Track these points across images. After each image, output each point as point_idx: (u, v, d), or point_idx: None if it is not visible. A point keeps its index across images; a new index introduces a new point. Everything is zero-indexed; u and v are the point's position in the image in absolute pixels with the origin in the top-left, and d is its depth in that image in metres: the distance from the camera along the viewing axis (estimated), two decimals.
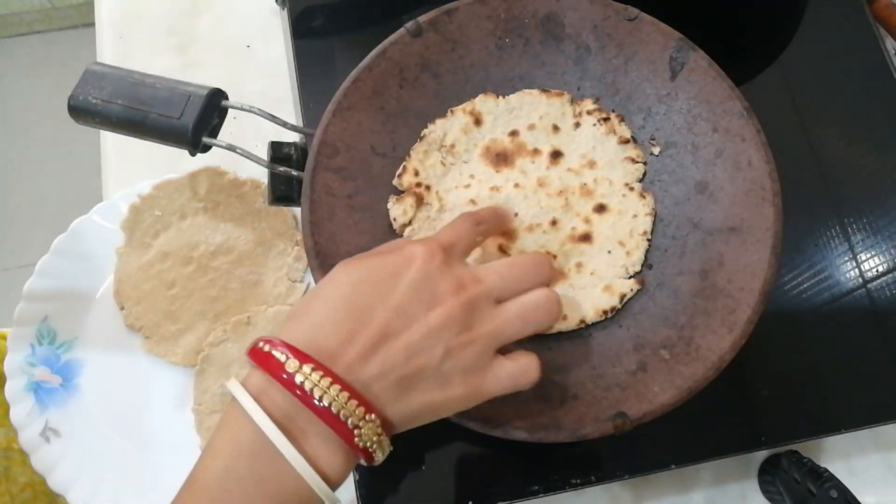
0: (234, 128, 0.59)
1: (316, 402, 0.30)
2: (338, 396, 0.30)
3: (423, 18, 0.47)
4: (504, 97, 0.48)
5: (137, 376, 0.54)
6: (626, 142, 0.47)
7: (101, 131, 0.57)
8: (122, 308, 0.55)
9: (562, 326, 0.44)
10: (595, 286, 0.45)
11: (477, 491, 0.46)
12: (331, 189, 0.44)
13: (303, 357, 0.30)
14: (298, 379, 0.30)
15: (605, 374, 0.42)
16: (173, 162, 0.59)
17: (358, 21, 0.57)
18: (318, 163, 0.43)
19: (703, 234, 0.45)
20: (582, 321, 0.44)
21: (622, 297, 0.44)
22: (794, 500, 0.47)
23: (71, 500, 0.51)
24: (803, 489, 0.46)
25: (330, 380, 0.30)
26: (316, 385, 0.30)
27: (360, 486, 0.45)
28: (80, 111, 0.44)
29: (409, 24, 0.46)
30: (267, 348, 0.31)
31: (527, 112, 0.48)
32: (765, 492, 0.51)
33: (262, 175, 0.57)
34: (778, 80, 0.57)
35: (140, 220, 0.57)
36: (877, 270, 0.52)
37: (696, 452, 0.48)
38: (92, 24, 0.65)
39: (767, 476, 0.51)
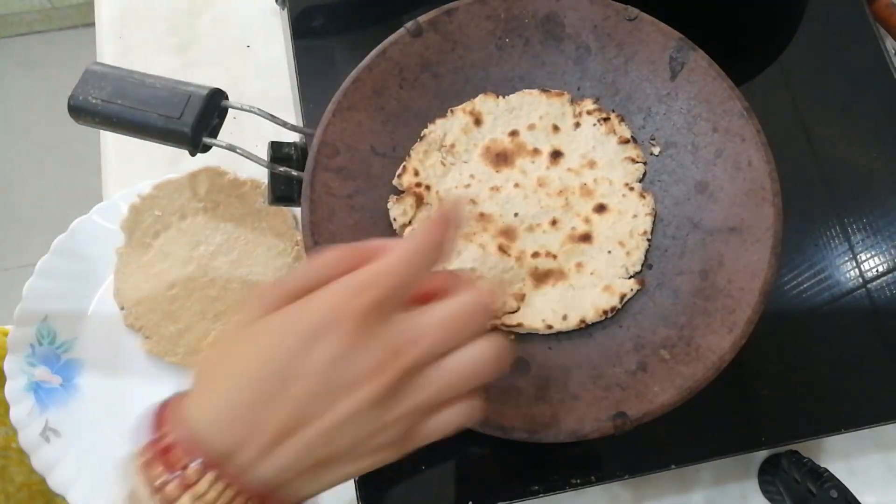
0: (234, 128, 0.59)
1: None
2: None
3: (423, 18, 0.46)
4: (504, 97, 0.48)
5: (137, 376, 0.54)
6: (626, 142, 0.47)
7: (101, 131, 0.57)
8: (122, 308, 0.55)
9: (562, 326, 0.44)
10: (595, 286, 0.45)
11: (477, 491, 0.45)
12: (331, 189, 0.44)
13: (202, 459, 0.28)
14: (200, 488, 0.27)
15: (605, 374, 0.42)
16: (173, 162, 0.59)
17: (358, 21, 0.57)
18: (318, 163, 0.43)
19: (703, 234, 0.45)
20: (582, 321, 0.44)
21: (622, 296, 0.44)
22: (794, 500, 0.47)
23: (71, 500, 0.51)
24: (803, 489, 0.46)
25: (225, 484, 0.27)
26: (213, 491, 0.27)
27: (359, 485, 0.45)
28: (80, 111, 0.43)
29: (410, 24, 0.46)
30: (170, 440, 0.29)
31: (527, 112, 0.48)
32: (765, 492, 0.51)
33: (262, 175, 0.56)
34: (778, 80, 0.57)
35: (140, 220, 0.57)
36: (877, 270, 0.52)
37: (696, 452, 0.48)
38: (92, 24, 0.65)
39: (767, 476, 0.51)
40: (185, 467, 0.28)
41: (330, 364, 0.28)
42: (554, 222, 0.46)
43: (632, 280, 0.45)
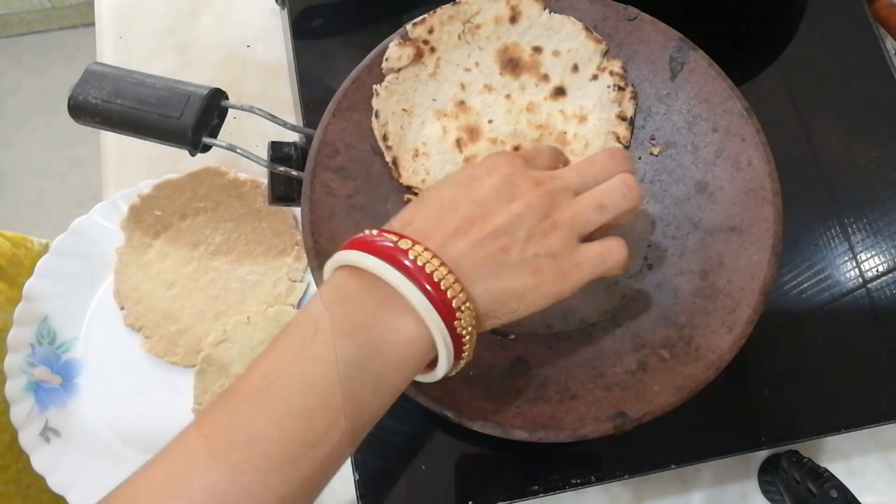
0: (234, 128, 0.60)
1: (418, 272, 0.30)
2: (446, 276, 0.31)
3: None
4: (550, 13, 0.47)
5: (137, 376, 0.54)
6: (623, 119, 0.47)
7: (101, 131, 0.57)
8: (122, 308, 0.55)
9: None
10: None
11: (477, 491, 0.45)
12: (331, 189, 0.44)
13: (411, 239, 0.32)
14: (412, 255, 0.31)
15: (605, 374, 0.42)
16: (173, 162, 0.59)
17: (358, 21, 0.57)
18: (317, 163, 0.43)
19: (703, 233, 0.45)
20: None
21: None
22: (794, 500, 0.47)
23: (71, 500, 0.51)
24: (803, 489, 0.46)
25: (436, 259, 0.31)
26: (428, 262, 0.31)
27: (359, 485, 0.45)
28: (81, 111, 0.43)
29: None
30: (375, 233, 0.32)
31: (560, 38, 0.47)
32: (765, 492, 0.51)
33: (262, 175, 0.57)
34: (778, 80, 0.57)
35: (140, 219, 0.57)
36: (877, 270, 0.52)
37: (695, 452, 0.47)
38: (92, 24, 0.65)
39: (767, 476, 0.51)
40: (405, 249, 0.31)
41: (503, 179, 0.35)
42: (516, 148, 0.46)
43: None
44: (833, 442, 0.52)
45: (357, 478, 0.45)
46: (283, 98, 0.61)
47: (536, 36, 0.47)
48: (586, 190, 0.36)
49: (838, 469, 0.47)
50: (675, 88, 0.46)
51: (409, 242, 0.31)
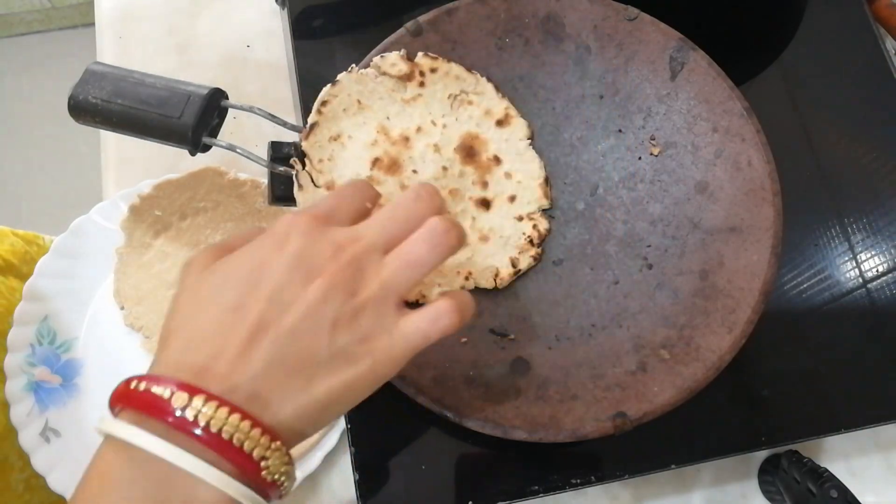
0: (234, 127, 0.59)
1: (202, 432, 0.25)
2: (240, 426, 0.26)
3: (423, 18, 0.46)
4: (531, 145, 0.47)
5: None
6: (513, 266, 0.46)
7: (101, 131, 0.57)
8: (122, 308, 0.55)
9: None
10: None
11: (477, 491, 0.45)
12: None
13: (186, 387, 0.26)
14: (190, 415, 0.25)
15: (605, 374, 0.42)
16: (173, 162, 0.59)
17: (358, 21, 0.57)
18: None
19: (703, 234, 0.45)
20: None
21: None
22: (794, 500, 0.47)
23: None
24: (803, 489, 0.46)
25: (224, 408, 0.26)
26: (213, 418, 0.25)
27: (359, 485, 0.45)
28: (80, 111, 0.43)
29: (410, 24, 0.46)
30: (143, 386, 0.27)
31: (523, 170, 0.47)
32: (765, 492, 0.51)
33: (262, 175, 0.57)
34: (778, 80, 0.57)
35: (140, 219, 0.57)
36: (877, 270, 0.52)
37: (695, 452, 0.47)
38: (92, 24, 0.65)
39: (767, 476, 0.51)
40: (161, 406, 0.26)
41: (294, 259, 0.29)
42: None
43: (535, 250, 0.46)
44: (833, 442, 0.52)
45: (357, 478, 0.45)
46: (283, 98, 0.61)
47: (506, 151, 0.47)
48: (395, 244, 0.31)
49: (838, 469, 0.47)
50: (675, 88, 0.46)
51: (185, 397, 0.25)
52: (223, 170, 0.58)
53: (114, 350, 0.55)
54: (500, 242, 0.46)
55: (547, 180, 0.47)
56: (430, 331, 0.31)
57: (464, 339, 0.44)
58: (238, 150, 0.43)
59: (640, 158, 0.48)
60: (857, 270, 0.52)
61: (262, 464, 0.26)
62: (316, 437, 0.51)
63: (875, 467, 0.52)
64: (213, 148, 0.44)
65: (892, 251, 0.52)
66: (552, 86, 0.49)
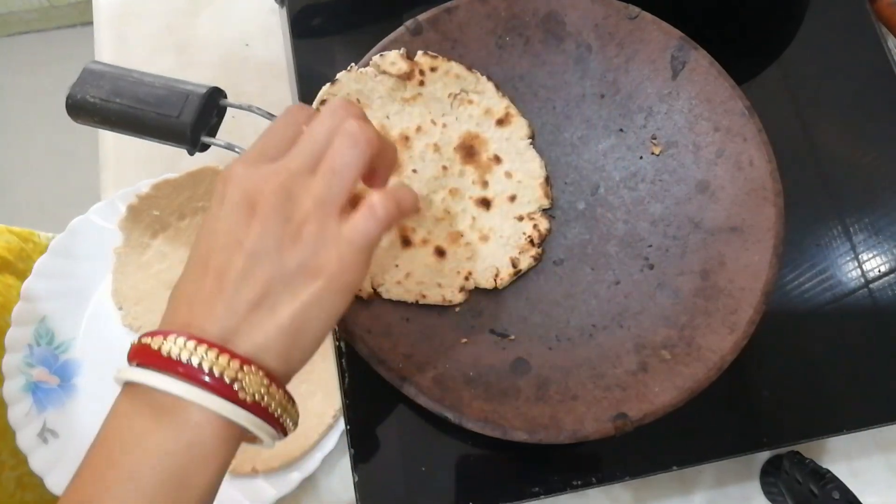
0: (232, 127, 0.59)
1: (181, 366, 0.29)
2: (203, 352, 0.29)
3: (423, 17, 0.46)
4: (531, 143, 0.47)
5: None
6: (514, 266, 0.46)
7: (100, 130, 0.57)
8: (121, 308, 0.55)
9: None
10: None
11: (477, 492, 0.45)
12: None
13: (174, 334, 0.30)
14: (167, 350, 0.29)
15: (605, 375, 0.42)
16: (172, 161, 0.58)
17: (357, 20, 0.57)
18: None
19: (705, 233, 0.44)
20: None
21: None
22: (796, 501, 0.47)
23: None
24: (805, 490, 0.46)
25: (191, 340, 0.29)
26: (182, 349, 0.29)
27: (359, 486, 0.45)
28: (79, 110, 0.43)
29: (409, 23, 0.46)
30: (145, 340, 0.30)
31: (523, 169, 0.47)
32: (767, 493, 0.51)
33: None
34: (779, 80, 0.56)
35: (138, 219, 0.56)
36: (879, 270, 0.52)
37: (697, 453, 0.47)
38: (90, 23, 0.65)
39: (769, 477, 0.51)
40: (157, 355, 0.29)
41: (237, 200, 0.31)
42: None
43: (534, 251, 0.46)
44: (835, 443, 0.52)
45: (356, 479, 0.45)
46: (282, 97, 0.60)
47: (506, 150, 0.47)
48: (321, 160, 0.32)
49: (840, 470, 0.47)
50: (676, 88, 0.46)
51: (160, 338, 0.29)
52: (222, 169, 0.57)
53: (112, 350, 0.54)
54: (500, 242, 0.46)
55: (547, 180, 0.47)
56: (369, 227, 0.32)
57: (464, 340, 0.44)
58: (237, 150, 0.43)
59: (641, 158, 0.47)
60: (859, 270, 0.51)
61: (235, 385, 0.29)
62: (315, 437, 0.50)
63: (877, 468, 0.52)
64: (212, 147, 0.44)
65: (895, 251, 0.52)
66: (553, 85, 0.48)
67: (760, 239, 0.42)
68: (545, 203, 0.47)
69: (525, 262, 0.45)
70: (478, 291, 0.45)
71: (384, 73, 0.44)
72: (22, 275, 0.55)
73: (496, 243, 0.46)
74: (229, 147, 0.43)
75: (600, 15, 0.47)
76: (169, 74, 0.44)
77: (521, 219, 0.46)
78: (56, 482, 0.51)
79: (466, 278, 0.45)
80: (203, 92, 0.43)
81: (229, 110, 0.45)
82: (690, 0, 0.49)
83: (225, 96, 0.45)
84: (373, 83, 0.44)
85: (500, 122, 0.47)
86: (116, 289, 0.55)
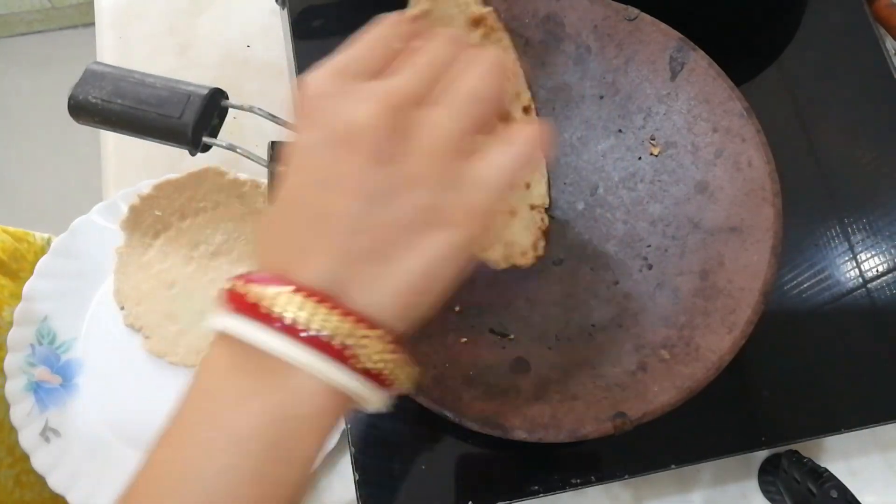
0: (234, 127, 0.59)
1: (281, 324, 0.24)
2: (322, 317, 0.24)
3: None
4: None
5: (137, 376, 0.54)
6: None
7: (101, 131, 0.57)
8: (122, 308, 0.55)
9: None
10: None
11: (477, 491, 0.45)
12: None
13: (262, 280, 0.25)
14: (277, 310, 0.24)
15: (604, 374, 0.42)
16: (173, 162, 0.59)
17: (358, 21, 0.57)
18: None
19: (704, 234, 0.45)
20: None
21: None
22: (794, 500, 0.47)
23: (71, 500, 0.51)
24: (803, 489, 0.46)
25: (309, 300, 0.24)
26: (298, 312, 0.24)
27: (359, 486, 0.45)
28: (80, 110, 0.43)
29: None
30: (239, 286, 0.26)
31: None
32: (765, 492, 0.51)
33: (262, 175, 0.57)
34: (778, 81, 0.57)
35: (140, 219, 0.57)
36: (877, 270, 0.52)
37: (696, 452, 0.47)
38: (92, 24, 0.65)
39: (767, 476, 0.51)
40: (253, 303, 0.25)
41: (331, 135, 0.26)
42: None
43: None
44: (833, 442, 0.52)
45: (357, 478, 0.45)
46: (284, 98, 0.61)
47: None
48: (438, 86, 0.27)
49: (838, 469, 0.47)
50: (675, 88, 0.46)
51: (272, 290, 0.24)
52: (223, 170, 0.58)
53: (114, 350, 0.55)
54: (522, 223, 0.46)
55: (548, 180, 0.47)
56: (504, 164, 0.26)
57: (464, 339, 0.44)
58: (238, 150, 0.43)
59: (640, 158, 0.48)
60: (857, 270, 0.52)
61: (348, 352, 0.24)
62: None
63: (875, 467, 0.52)
64: (214, 148, 0.44)
65: (893, 251, 0.52)
66: (552, 86, 0.48)
67: (759, 239, 0.42)
68: (546, 202, 0.47)
69: (541, 248, 0.45)
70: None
71: (464, 5, 0.42)
72: (15, 275, 0.55)
73: (520, 222, 0.45)
74: (230, 147, 0.43)
75: (599, 16, 0.47)
76: (170, 75, 0.44)
77: (532, 208, 0.46)
78: (58, 481, 0.51)
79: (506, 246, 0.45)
80: (204, 93, 0.43)
81: (230, 111, 0.45)
82: (689, 1, 0.50)
83: (226, 97, 0.45)
84: (451, 10, 0.41)
85: (525, 110, 0.47)
86: (118, 289, 0.56)
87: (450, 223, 0.26)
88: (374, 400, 0.26)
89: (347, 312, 0.24)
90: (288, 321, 0.24)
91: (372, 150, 0.25)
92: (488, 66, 0.27)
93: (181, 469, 0.25)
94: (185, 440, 0.26)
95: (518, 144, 0.27)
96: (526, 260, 0.45)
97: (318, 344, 0.24)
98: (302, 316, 0.24)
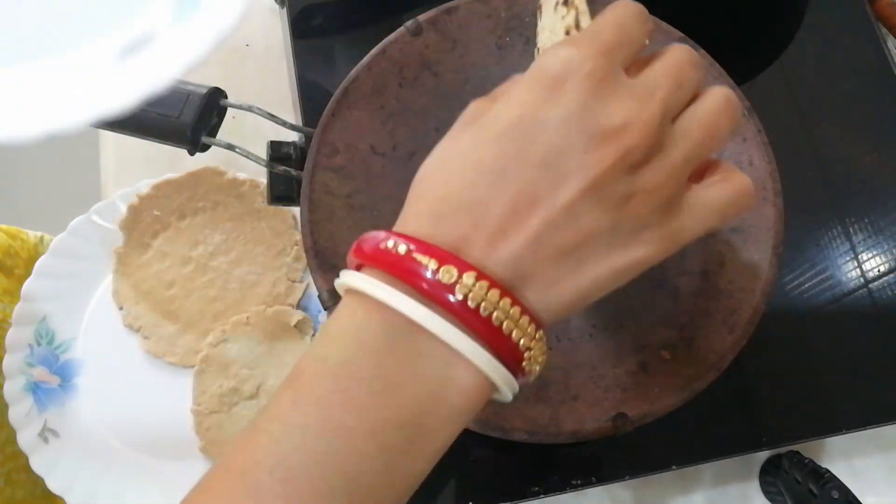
0: (232, 127, 0.59)
1: (458, 304, 0.22)
2: (510, 313, 0.23)
3: (423, 17, 0.46)
4: None
5: (136, 377, 0.54)
6: None
7: (100, 130, 0.57)
8: (121, 308, 0.55)
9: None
10: None
11: (477, 491, 0.45)
12: (330, 189, 0.43)
13: (440, 254, 0.23)
14: (460, 293, 0.22)
15: (605, 375, 0.42)
16: (172, 161, 0.58)
17: (357, 20, 0.57)
18: (317, 162, 0.43)
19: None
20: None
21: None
22: (795, 501, 0.47)
23: (70, 501, 0.51)
24: (804, 490, 0.46)
25: (494, 290, 0.23)
26: (484, 300, 0.22)
27: None
28: None
29: (409, 23, 0.46)
30: (402, 249, 0.23)
31: None
32: (766, 492, 0.51)
33: (261, 175, 0.56)
34: (779, 80, 0.56)
35: (139, 219, 0.56)
36: (878, 270, 0.52)
37: (697, 453, 0.47)
38: None
39: (769, 477, 0.51)
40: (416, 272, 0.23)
41: (570, 119, 0.23)
42: None
43: None
44: (834, 442, 0.52)
45: None
46: (283, 97, 0.60)
47: None
48: (680, 107, 0.26)
49: (840, 470, 0.47)
50: None
51: (454, 272, 0.22)
52: (222, 169, 0.58)
53: (113, 350, 0.55)
54: None
55: None
56: (727, 211, 0.26)
57: None
58: (237, 150, 0.43)
59: None
60: (858, 270, 0.51)
61: (525, 355, 0.23)
62: None
63: (877, 468, 0.52)
64: (212, 147, 0.44)
65: (894, 251, 0.52)
66: None
67: (760, 239, 0.42)
68: None
69: None
70: None
71: None
72: (9, 271, 0.55)
73: None
74: (229, 147, 0.43)
75: None
76: None
77: None
78: (57, 482, 0.51)
79: None
80: (203, 92, 0.43)
81: (229, 110, 0.45)
82: (691, 1, 0.49)
83: (225, 96, 0.45)
84: None
85: None
86: (117, 289, 0.55)
87: (652, 241, 0.25)
88: (510, 392, 0.25)
89: (525, 311, 0.23)
90: (469, 311, 0.22)
91: (629, 153, 0.23)
92: (732, 112, 0.26)
93: (314, 451, 0.23)
94: (318, 421, 0.23)
95: (738, 185, 0.26)
96: None
97: (499, 341, 0.23)
98: (488, 309, 0.22)
